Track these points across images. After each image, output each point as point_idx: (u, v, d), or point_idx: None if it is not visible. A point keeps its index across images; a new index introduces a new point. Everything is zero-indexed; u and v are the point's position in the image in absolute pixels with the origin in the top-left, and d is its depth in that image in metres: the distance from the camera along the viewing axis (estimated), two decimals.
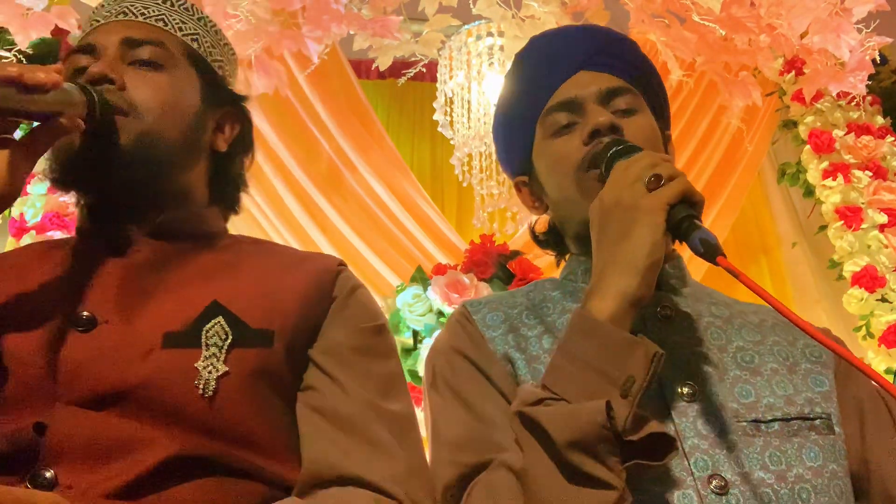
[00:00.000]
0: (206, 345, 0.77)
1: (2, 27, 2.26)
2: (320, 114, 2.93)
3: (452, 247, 2.92)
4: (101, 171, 0.83)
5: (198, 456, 0.72)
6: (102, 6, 0.96)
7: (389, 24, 2.31)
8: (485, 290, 2.61)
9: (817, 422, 0.81)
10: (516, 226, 2.88)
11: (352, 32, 2.35)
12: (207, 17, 0.99)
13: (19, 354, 0.74)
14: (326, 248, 2.84)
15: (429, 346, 2.50)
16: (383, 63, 2.49)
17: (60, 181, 0.85)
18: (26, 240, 2.46)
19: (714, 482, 0.74)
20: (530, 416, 0.73)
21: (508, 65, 2.82)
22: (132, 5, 0.93)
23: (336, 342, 0.85)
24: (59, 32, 2.49)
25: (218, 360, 0.76)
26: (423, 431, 0.90)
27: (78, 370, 0.73)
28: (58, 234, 2.45)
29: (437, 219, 3.01)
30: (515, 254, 2.75)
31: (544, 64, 0.97)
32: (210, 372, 0.75)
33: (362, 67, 3.44)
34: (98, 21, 0.94)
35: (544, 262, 2.88)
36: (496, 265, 2.69)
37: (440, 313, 2.59)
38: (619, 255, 0.76)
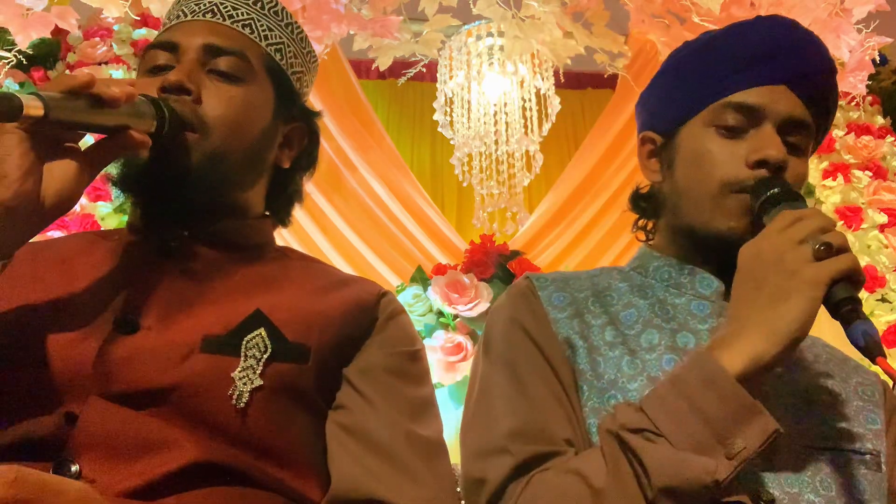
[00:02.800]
0: (245, 355, 0.76)
1: (2, 27, 2.26)
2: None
3: (452, 247, 2.92)
4: (164, 186, 0.82)
5: (221, 464, 0.72)
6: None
7: (389, 24, 2.31)
8: (485, 290, 2.61)
9: (867, 457, 0.81)
10: (516, 226, 2.89)
11: (352, 32, 2.35)
12: (296, 22, 0.96)
13: (63, 345, 0.74)
14: (326, 248, 2.84)
15: (429, 346, 2.51)
16: (383, 63, 2.49)
17: (121, 184, 0.85)
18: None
19: (763, 497, 0.74)
20: (631, 447, 0.71)
21: (508, 65, 2.83)
22: (221, 4, 0.91)
23: (372, 363, 0.85)
24: (59, 32, 2.50)
25: (254, 373, 0.76)
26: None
27: (116, 367, 0.73)
28: (57, 235, 2.45)
29: (437, 219, 3.01)
30: (515, 254, 2.76)
31: (756, 54, 0.89)
32: (245, 384, 0.75)
33: (362, 67, 3.44)
34: (184, 14, 0.92)
35: (544, 262, 2.89)
36: (496, 265, 2.70)
37: (440, 313, 2.59)
38: (768, 319, 0.71)
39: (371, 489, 0.76)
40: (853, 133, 3.03)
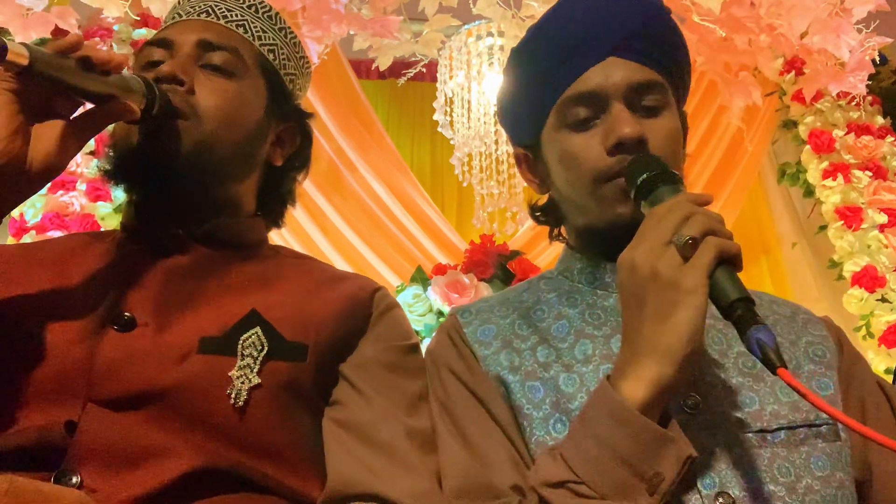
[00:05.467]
0: (242, 354, 0.77)
1: (2, 27, 2.26)
2: (320, 114, 2.93)
3: (452, 247, 2.92)
4: (154, 172, 0.83)
5: (222, 469, 0.72)
6: (188, 1, 0.95)
7: (389, 24, 2.31)
8: (485, 290, 2.61)
9: (823, 428, 0.78)
10: (516, 226, 2.88)
11: (352, 32, 2.35)
12: (289, 28, 0.98)
13: (57, 346, 0.74)
14: (326, 248, 2.84)
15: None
16: (383, 63, 2.49)
17: (112, 173, 0.85)
18: (26, 240, 2.46)
19: (721, 500, 0.72)
20: None
21: None
22: (216, 5, 0.93)
23: (367, 358, 0.85)
24: (58, 32, 2.49)
25: (252, 371, 0.76)
26: None
27: (113, 369, 0.73)
28: (57, 234, 2.45)
29: (437, 219, 3.01)
30: (515, 254, 2.75)
31: (572, 38, 0.87)
32: (243, 382, 0.75)
33: (362, 67, 3.44)
34: (180, 16, 0.94)
35: (544, 262, 2.88)
36: (496, 265, 2.69)
37: (440, 313, 2.59)
38: (658, 339, 0.69)
39: (367, 484, 0.76)
40: (853, 133, 3.03)
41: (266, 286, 0.86)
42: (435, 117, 2.89)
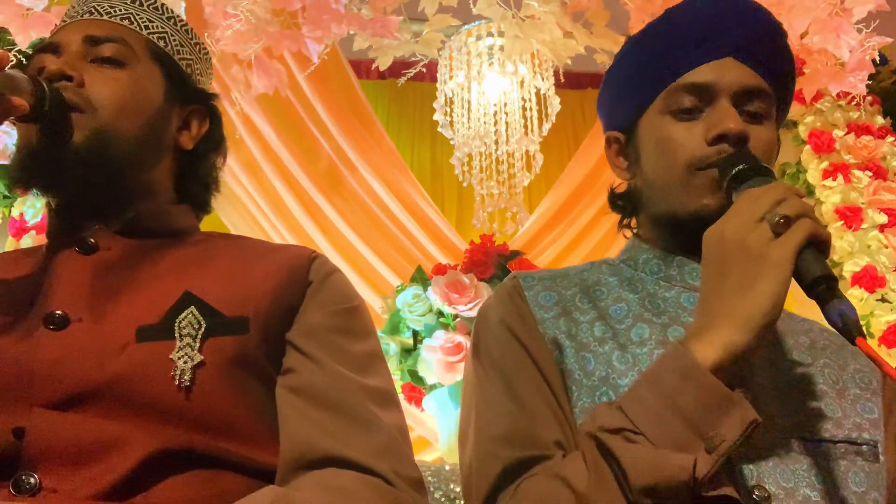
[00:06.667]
0: (180, 335, 0.76)
1: (2, 27, 2.26)
2: (320, 114, 2.93)
3: (452, 247, 2.92)
4: (56, 168, 0.83)
5: (179, 450, 0.71)
6: (72, 6, 0.96)
7: (389, 24, 2.30)
8: (485, 290, 2.61)
9: (864, 447, 0.79)
10: (516, 226, 2.89)
11: (352, 32, 2.35)
12: (179, 16, 0.99)
13: None
14: (326, 248, 2.84)
15: (429, 346, 2.51)
16: (383, 63, 2.49)
17: (18, 179, 0.85)
18: (26, 240, 2.46)
19: (757, 492, 0.73)
20: (609, 448, 0.70)
21: (508, 65, 2.83)
22: (99, 5, 0.93)
23: (313, 324, 0.85)
24: None
25: (192, 350, 0.76)
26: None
27: (53, 370, 0.72)
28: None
29: (437, 219, 3.01)
30: (515, 254, 2.75)
31: (696, 31, 0.90)
32: (185, 362, 0.75)
33: (362, 67, 3.44)
34: (65, 21, 0.95)
35: (544, 262, 2.89)
36: (496, 265, 2.69)
37: (440, 313, 2.59)
38: (737, 306, 0.70)
39: (325, 446, 0.76)
40: (853, 133, 3.02)
41: (199, 267, 0.86)
42: (435, 117, 2.89)
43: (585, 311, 0.88)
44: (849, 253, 2.80)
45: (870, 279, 2.71)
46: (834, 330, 0.91)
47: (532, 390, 0.83)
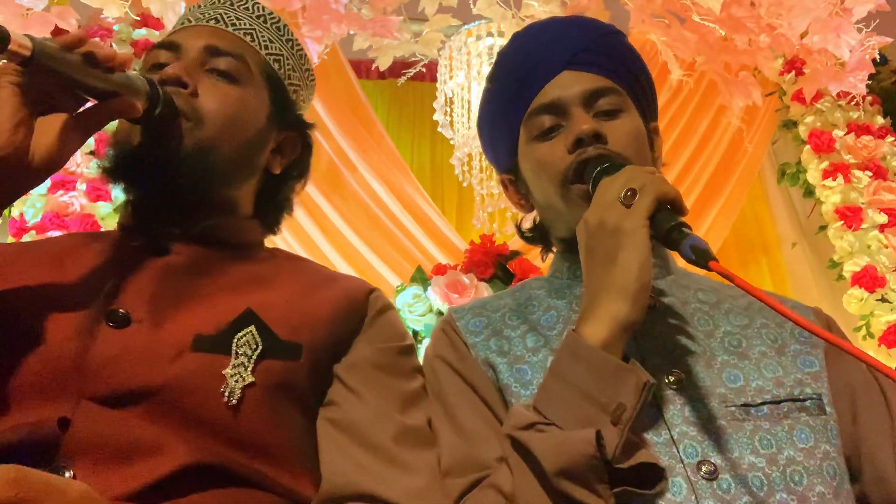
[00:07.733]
0: (236, 353, 0.77)
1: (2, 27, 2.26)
2: (320, 114, 2.93)
3: (452, 247, 2.92)
4: (154, 171, 0.83)
5: (215, 465, 0.72)
6: (198, 7, 0.96)
7: (389, 24, 2.31)
8: (485, 290, 2.61)
9: (808, 402, 0.81)
10: None
11: (352, 32, 2.35)
12: (296, 40, 1.00)
13: (50, 342, 0.74)
14: (326, 249, 2.84)
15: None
16: (383, 63, 2.49)
17: (112, 172, 0.86)
18: (26, 240, 2.46)
19: (704, 468, 0.74)
20: (521, 442, 0.73)
21: None
22: (225, 14, 0.94)
23: (360, 358, 0.86)
24: (58, 32, 2.49)
25: (246, 370, 0.76)
26: None
27: (106, 366, 0.73)
28: (57, 234, 2.45)
29: (437, 219, 3.01)
30: (515, 254, 2.75)
31: (528, 63, 0.96)
32: (237, 381, 0.75)
33: (362, 67, 3.44)
34: (189, 22, 0.95)
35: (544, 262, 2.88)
36: (496, 265, 2.69)
37: (440, 313, 2.59)
38: (609, 279, 0.75)
39: (362, 484, 0.76)
40: (853, 133, 3.03)
41: (261, 286, 0.86)
42: (435, 117, 2.89)
43: (515, 326, 0.92)
44: (849, 253, 2.81)
45: (870, 279, 2.71)
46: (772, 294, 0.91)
47: (471, 415, 0.85)
